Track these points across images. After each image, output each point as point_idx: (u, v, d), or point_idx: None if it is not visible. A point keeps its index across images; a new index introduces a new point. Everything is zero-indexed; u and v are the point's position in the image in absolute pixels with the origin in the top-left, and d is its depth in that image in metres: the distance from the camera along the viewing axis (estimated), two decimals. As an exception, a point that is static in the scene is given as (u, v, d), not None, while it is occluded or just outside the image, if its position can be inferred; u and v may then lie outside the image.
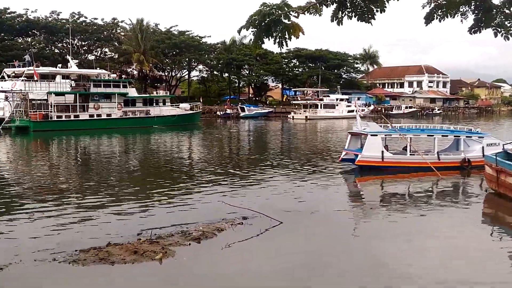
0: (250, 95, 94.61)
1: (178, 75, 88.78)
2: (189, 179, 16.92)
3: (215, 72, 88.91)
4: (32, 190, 14.82)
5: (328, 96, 75.84)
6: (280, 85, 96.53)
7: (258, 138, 37.69)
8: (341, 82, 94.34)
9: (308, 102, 72.37)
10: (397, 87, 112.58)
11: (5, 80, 45.24)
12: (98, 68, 51.41)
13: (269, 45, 7.62)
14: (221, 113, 70.97)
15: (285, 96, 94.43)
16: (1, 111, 43.13)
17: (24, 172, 18.71)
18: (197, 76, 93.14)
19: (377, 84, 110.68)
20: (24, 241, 9.45)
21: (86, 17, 75.56)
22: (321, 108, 71.60)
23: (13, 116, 40.99)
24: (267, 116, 72.53)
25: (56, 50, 73.82)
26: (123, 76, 66.32)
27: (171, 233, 9.87)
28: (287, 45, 7.50)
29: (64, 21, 71.70)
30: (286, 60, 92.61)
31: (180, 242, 9.28)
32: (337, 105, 73.53)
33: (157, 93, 54.27)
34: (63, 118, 42.06)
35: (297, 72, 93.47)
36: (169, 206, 12.62)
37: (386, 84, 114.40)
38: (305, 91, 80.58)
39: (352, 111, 72.75)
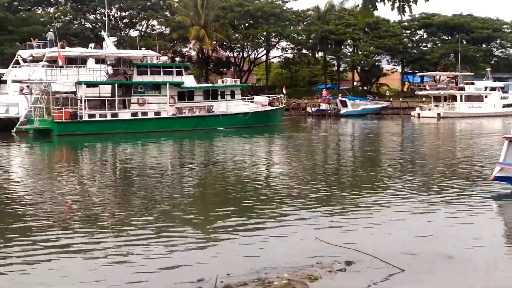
0: (355, 83, 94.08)
1: (252, 56, 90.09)
2: (268, 204, 17.11)
3: (304, 51, 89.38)
4: (54, 218, 15.66)
5: (473, 83, 73.61)
6: (399, 68, 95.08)
7: (366, 147, 37.31)
8: (492, 62, 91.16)
9: (442, 92, 70.70)
10: None
11: (20, 66, 48.29)
12: (143, 48, 53.42)
13: (384, 10, 7.58)
14: (313, 109, 71.22)
15: (407, 83, 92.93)
16: (15, 107, 45.95)
17: (42, 194, 19.79)
18: (279, 57, 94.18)
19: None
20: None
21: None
22: (461, 101, 69.79)
23: (31, 115, 43.56)
24: (380, 114, 71.77)
25: (87, 25, 77.76)
26: (176, 58, 68.31)
27: (244, 282, 10.02)
28: (410, 11, 7.39)
29: (98, -16, 74.76)
30: (408, 32, 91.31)
31: (256, 294, 9.42)
32: (486, 96, 71.23)
33: (223, 81, 55.28)
34: (97, 118, 44.11)
35: (424, 48, 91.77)
36: (240, 242, 12.84)
37: None
38: (437, 77, 78.75)
39: (510, 105, 69.82)
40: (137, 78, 46.52)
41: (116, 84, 45.55)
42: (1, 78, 49.46)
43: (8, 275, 10.63)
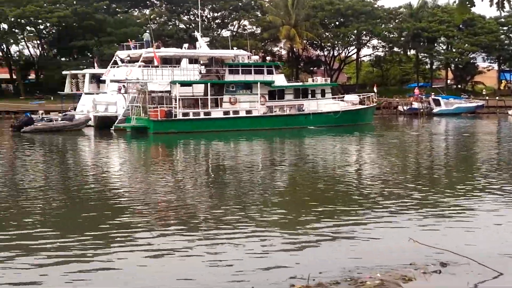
0: (448, 81, 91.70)
1: (343, 54, 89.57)
2: (359, 205, 17.00)
3: (395, 49, 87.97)
4: (149, 215, 16.16)
5: None
6: (495, 66, 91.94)
7: (460, 146, 36.41)
8: None
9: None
10: None
11: (118, 66, 49.97)
12: (235, 48, 54.09)
13: (480, 7, 7.38)
14: (405, 107, 70.01)
15: (504, 82, 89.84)
16: (114, 106, 47.65)
17: (138, 190, 20.47)
18: (370, 55, 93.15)
19: None
20: (151, 277, 10.39)
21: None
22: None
23: (129, 114, 45.00)
24: (475, 113, 69.64)
25: (181, 26, 79.50)
26: (267, 58, 68.90)
27: (336, 280, 10.04)
28: (510, 6, 7.13)
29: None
30: (505, 29, 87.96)
31: (349, 293, 9.42)
32: None
33: (313, 80, 55.24)
34: (191, 116, 45.06)
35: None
36: (332, 241, 12.84)
37: None
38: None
39: None
40: (229, 78, 47.20)
41: (209, 84, 46.34)
42: (101, 78, 51.37)
43: (107, 272, 11.11)
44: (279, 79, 49.64)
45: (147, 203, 17.39)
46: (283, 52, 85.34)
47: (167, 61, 48.03)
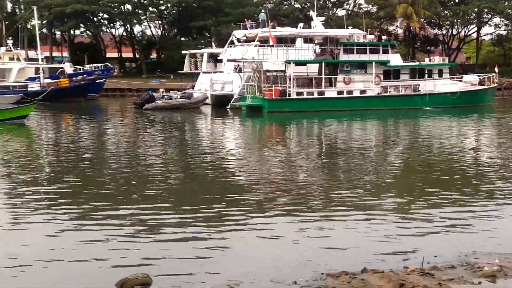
0: None
1: (462, 33, 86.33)
2: (476, 189, 16.47)
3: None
4: (261, 193, 16.42)
5: None
6: None
7: None
8: None
9: None
10: None
11: (234, 46, 50.77)
12: (350, 27, 53.50)
13: None
14: (528, 88, 66.67)
15: None
16: (230, 85, 48.57)
17: (254, 169, 20.83)
18: (491, 34, 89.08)
19: None
20: (260, 259, 10.60)
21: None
22: None
23: (244, 93, 45.71)
24: None
25: (297, 5, 79.42)
26: (383, 37, 67.63)
27: (452, 264, 9.85)
28: None
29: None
30: None
31: (465, 278, 9.21)
32: None
33: (430, 60, 53.69)
34: (304, 96, 45.16)
35: None
36: (448, 227, 12.54)
37: None
38: None
39: None
40: (343, 57, 46.79)
41: (323, 63, 46.11)
42: (218, 57, 52.44)
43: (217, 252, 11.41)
44: (395, 59, 48.66)
45: (260, 182, 17.64)
46: (399, 31, 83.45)
47: (282, 41, 48.34)
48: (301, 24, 53.46)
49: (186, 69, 56.75)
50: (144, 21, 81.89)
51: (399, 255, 10.52)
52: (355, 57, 46.96)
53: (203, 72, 53.06)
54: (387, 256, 10.53)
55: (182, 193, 16.24)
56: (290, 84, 44.27)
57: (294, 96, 44.54)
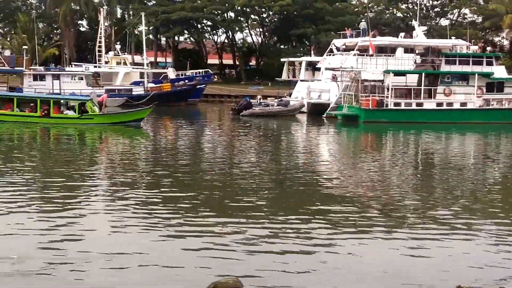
0: None
1: None
2: None
3: None
4: (352, 203, 16.25)
5: None
6: None
7: None
8: None
9: None
10: None
11: (333, 54, 50.47)
12: (453, 37, 51.97)
13: None
14: None
15: None
16: (327, 94, 48.26)
17: (347, 178, 20.64)
18: None
19: None
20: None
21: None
22: None
23: (341, 102, 45.31)
24: None
25: (399, 14, 78.08)
26: (487, 48, 65.26)
27: None
28: None
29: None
30: None
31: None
32: None
33: (539, 72, 51.29)
34: (402, 107, 44.19)
35: None
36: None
37: None
38: None
39: None
40: (444, 68, 45.44)
41: (423, 74, 45.01)
42: (316, 66, 52.31)
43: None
44: (499, 71, 46.76)
45: (351, 192, 17.52)
46: (505, 42, 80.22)
47: (382, 50, 47.54)
48: (402, 34, 52.37)
49: (284, 76, 56.91)
50: (246, 28, 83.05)
51: (496, 274, 10.34)
52: (457, 68, 45.47)
53: (301, 80, 53.05)
54: (478, 272, 10.38)
55: (277, 202, 16.28)
56: (388, 94, 43.51)
57: (391, 106, 43.70)
